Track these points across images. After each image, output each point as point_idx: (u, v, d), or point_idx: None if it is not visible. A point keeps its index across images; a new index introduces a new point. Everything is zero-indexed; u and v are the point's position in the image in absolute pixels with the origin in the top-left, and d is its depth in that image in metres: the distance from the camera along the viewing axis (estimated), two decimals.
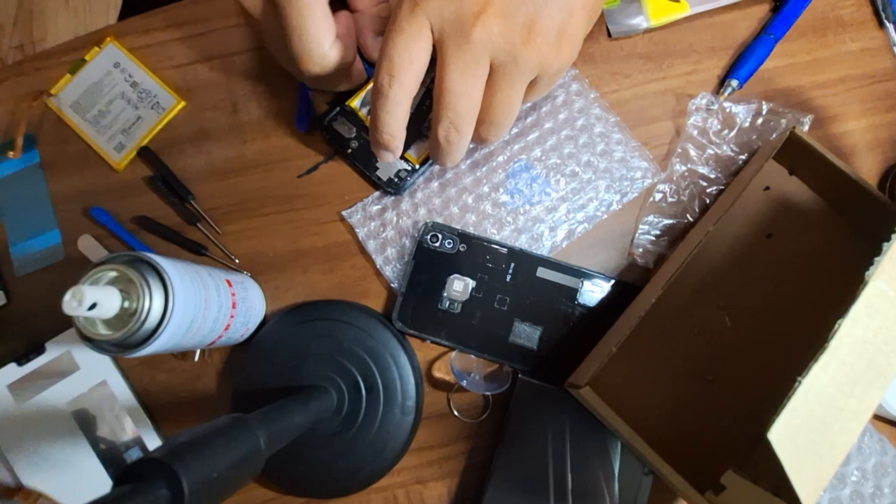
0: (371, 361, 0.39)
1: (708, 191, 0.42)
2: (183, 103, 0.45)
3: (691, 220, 0.42)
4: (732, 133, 0.43)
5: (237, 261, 0.43)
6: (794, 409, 0.27)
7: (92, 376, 0.41)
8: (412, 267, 0.41)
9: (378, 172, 0.42)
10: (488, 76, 0.32)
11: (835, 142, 0.43)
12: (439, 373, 0.41)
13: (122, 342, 0.28)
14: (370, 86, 0.42)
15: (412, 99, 0.33)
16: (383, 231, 0.42)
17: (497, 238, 0.42)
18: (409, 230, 0.42)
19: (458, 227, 0.42)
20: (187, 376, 0.42)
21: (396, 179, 0.42)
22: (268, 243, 0.43)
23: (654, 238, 0.42)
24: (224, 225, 0.43)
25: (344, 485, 0.39)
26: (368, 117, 0.42)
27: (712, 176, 0.43)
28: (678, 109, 0.44)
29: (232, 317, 0.36)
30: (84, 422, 0.40)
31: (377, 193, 0.43)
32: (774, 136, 0.42)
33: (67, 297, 0.26)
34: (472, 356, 0.40)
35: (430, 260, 0.41)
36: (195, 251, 0.43)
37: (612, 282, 0.41)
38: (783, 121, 0.43)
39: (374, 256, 0.42)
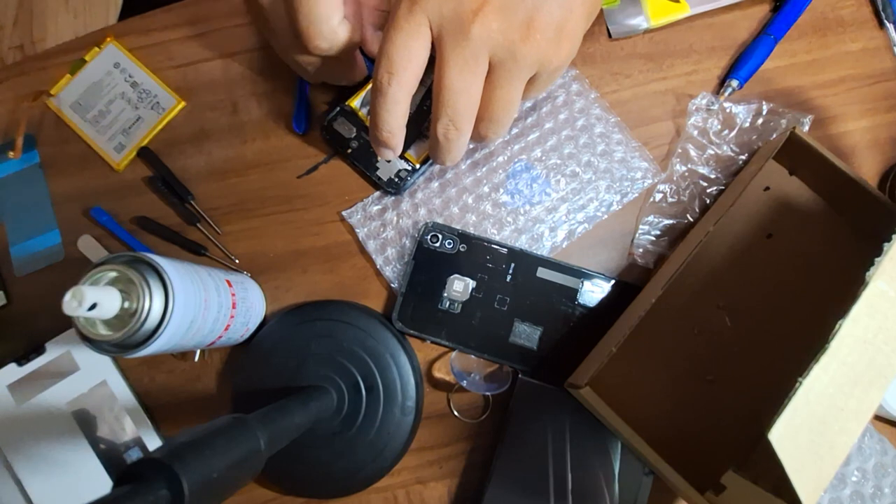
0: (371, 361, 0.39)
1: (708, 191, 0.42)
2: (183, 103, 0.45)
3: (691, 220, 0.42)
4: (732, 133, 0.43)
5: (237, 261, 0.43)
6: (795, 409, 0.27)
7: (92, 376, 0.41)
8: (412, 267, 0.41)
9: (378, 172, 0.42)
10: (487, 73, 0.32)
11: (835, 142, 0.43)
12: (439, 373, 0.41)
13: (122, 342, 0.28)
14: (370, 86, 0.42)
15: (411, 97, 0.33)
16: (383, 231, 0.42)
17: (497, 238, 0.42)
18: (409, 230, 0.42)
19: (458, 227, 0.42)
20: (187, 376, 0.42)
21: (397, 179, 0.42)
22: (268, 243, 0.43)
23: (654, 238, 0.42)
24: (224, 225, 0.43)
25: (344, 485, 0.39)
26: (368, 117, 0.42)
27: (712, 176, 0.43)
28: (678, 109, 0.44)
29: (232, 317, 0.36)
30: (84, 422, 0.40)
31: (377, 193, 0.43)
32: (774, 136, 0.42)
33: (67, 297, 0.26)
34: (472, 356, 0.40)
35: (431, 260, 0.41)
36: (195, 251, 0.43)
37: (613, 282, 0.41)
38: (783, 121, 0.43)
39: (374, 256, 0.42)
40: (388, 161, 0.42)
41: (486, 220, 0.42)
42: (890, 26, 0.44)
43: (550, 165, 0.43)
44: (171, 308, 0.29)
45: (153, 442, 0.41)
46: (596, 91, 0.44)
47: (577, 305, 0.41)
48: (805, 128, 0.42)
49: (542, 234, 0.42)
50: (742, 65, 0.43)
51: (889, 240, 0.30)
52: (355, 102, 0.42)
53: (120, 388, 0.41)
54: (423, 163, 0.42)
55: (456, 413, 0.41)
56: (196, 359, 0.42)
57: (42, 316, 0.42)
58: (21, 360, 0.40)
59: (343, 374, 0.39)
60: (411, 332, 0.40)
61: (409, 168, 0.42)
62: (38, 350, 0.40)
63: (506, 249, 0.41)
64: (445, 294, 0.41)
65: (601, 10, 0.45)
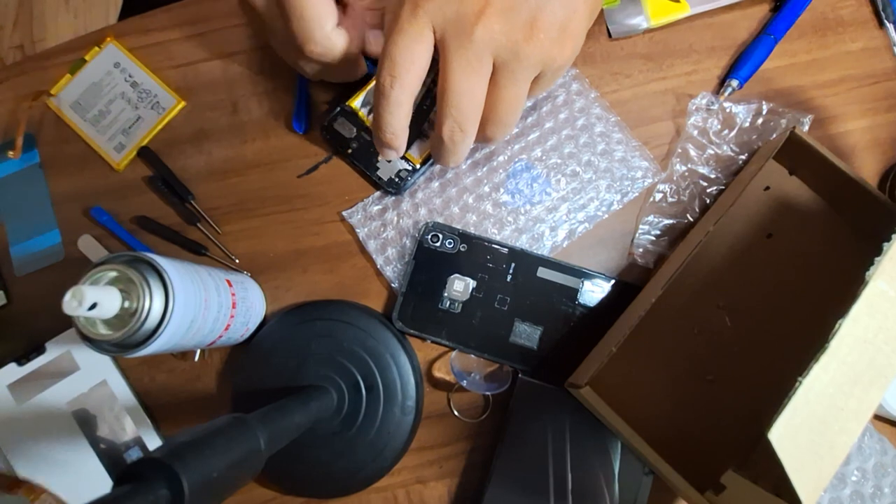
0: (371, 361, 0.39)
1: (708, 191, 0.42)
2: (183, 103, 0.45)
3: (691, 220, 0.42)
4: (732, 133, 0.43)
5: (237, 261, 0.43)
6: (795, 408, 0.27)
7: (92, 376, 0.41)
8: (412, 267, 0.41)
9: (379, 172, 0.42)
10: (491, 75, 0.32)
11: (835, 142, 0.43)
12: (439, 373, 0.41)
13: (123, 342, 0.28)
14: (370, 86, 0.42)
15: (414, 98, 0.33)
16: (384, 231, 0.42)
17: (498, 238, 0.42)
18: (409, 230, 0.42)
19: (458, 226, 0.42)
20: (187, 376, 0.42)
21: (397, 179, 0.42)
22: (268, 243, 0.43)
23: (654, 238, 0.42)
24: (224, 225, 0.43)
25: (344, 485, 0.39)
26: (369, 117, 0.42)
27: (712, 176, 0.43)
28: (678, 109, 0.44)
29: (232, 317, 0.36)
30: (84, 422, 0.40)
31: (378, 193, 0.43)
32: (774, 136, 0.42)
33: (67, 297, 0.26)
34: (472, 356, 0.40)
35: (431, 260, 0.41)
36: (195, 251, 0.43)
37: (613, 282, 0.41)
38: (783, 121, 0.43)
39: (374, 256, 0.42)
40: (389, 161, 0.42)
41: (487, 220, 0.42)
42: (890, 26, 0.44)
43: (551, 165, 0.43)
44: (171, 308, 0.29)
45: (153, 441, 0.41)
46: (596, 90, 0.44)
47: (578, 305, 0.41)
48: (805, 128, 0.42)
49: (542, 233, 0.42)
50: (742, 65, 0.43)
51: (889, 240, 0.30)
52: (355, 102, 0.42)
53: (120, 388, 0.41)
54: (423, 163, 0.42)
55: (456, 413, 0.41)
56: (196, 359, 0.42)
57: (42, 316, 0.42)
58: (21, 360, 0.40)
59: (343, 373, 0.39)
60: (412, 331, 0.40)
61: (410, 168, 0.42)
62: (39, 350, 0.40)
63: (506, 249, 0.41)
64: (446, 294, 0.41)
65: (602, 10, 0.45)
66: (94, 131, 0.45)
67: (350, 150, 0.42)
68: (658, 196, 0.43)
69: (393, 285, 0.42)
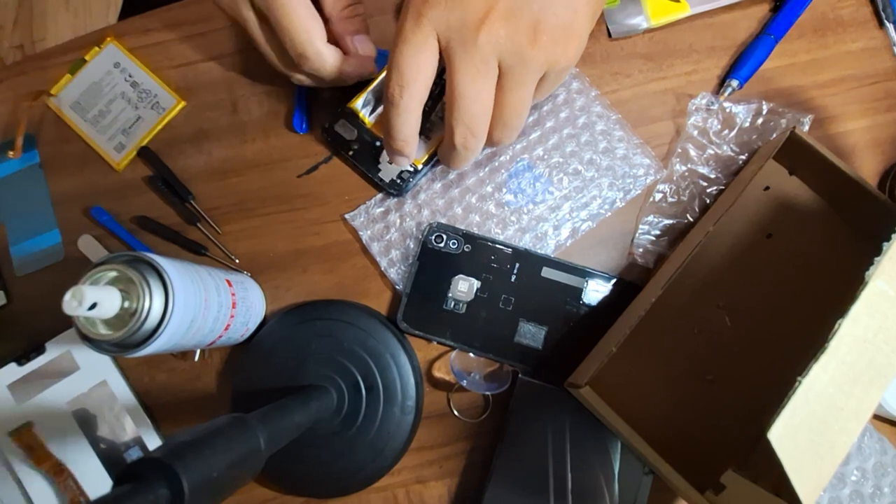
0: (371, 361, 0.39)
1: (708, 191, 0.42)
2: (183, 103, 0.45)
3: (691, 220, 0.42)
4: (732, 133, 0.43)
5: (237, 261, 0.43)
6: (795, 408, 0.27)
7: (92, 376, 0.41)
8: (416, 268, 0.41)
9: (380, 174, 0.42)
10: (497, 79, 0.32)
11: (835, 142, 0.43)
12: (439, 372, 0.41)
13: (123, 342, 0.28)
14: (371, 87, 0.42)
15: (423, 105, 0.33)
16: (387, 233, 0.42)
17: (501, 238, 0.42)
18: (412, 232, 0.42)
19: (462, 227, 0.42)
20: (187, 376, 0.42)
21: (399, 181, 0.42)
22: (268, 243, 0.43)
23: (654, 238, 0.42)
24: (224, 225, 0.43)
25: (344, 484, 0.39)
26: (370, 119, 0.42)
27: (712, 176, 0.43)
28: (678, 109, 0.44)
29: (232, 317, 0.36)
30: (84, 422, 0.40)
31: (380, 196, 0.43)
32: (774, 136, 0.42)
33: (67, 297, 0.26)
34: (472, 356, 0.40)
35: (435, 261, 0.41)
36: (195, 251, 0.43)
37: (616, 281, 0.41)
38: (783, 121, 0.43)
39: (378, 259, 0.42)
40: (391, 163, 0.42)
41: (490, 220, 0.43)
42: (890, 26, 0.44)
43: (553, 164, 0.43)
44: (171, 308, 0.29)
45: (153, 441, 0.41)
46: (596, 89, 0.44)
47: (582, 305, 0.41)
48: (805, 128, 0.42)
49: (545, 232, 0.42)
50: (742, 65, 0.43)
51: (889, 239, 0.30)
52: (356, 104, 0.42)
53: (120, 388, 0.41)
54: (424, 164, 0.42)
55: (456, 413, 0.41)
56: (196, 358, 0.42)
57: (42, 316, 0.42)
58: (21, 360, 0.40)
59: (343, 373, 0.39)
60: (416, 332, 0.40)
61: (411, 169, 0.42)
62: (38, 350, 0.40)
63: (510, 249, 0.41)
64: (450, 294, 0.41)
65: (602, 10, 0.44)
66: (94, 131, 0.45)
67: (351, 152, 0.42)
68: (658, 196, 0.43)
69: (397, 287, 0.42)
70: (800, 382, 0.28)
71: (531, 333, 0.40)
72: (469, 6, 0.30)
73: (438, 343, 0.41)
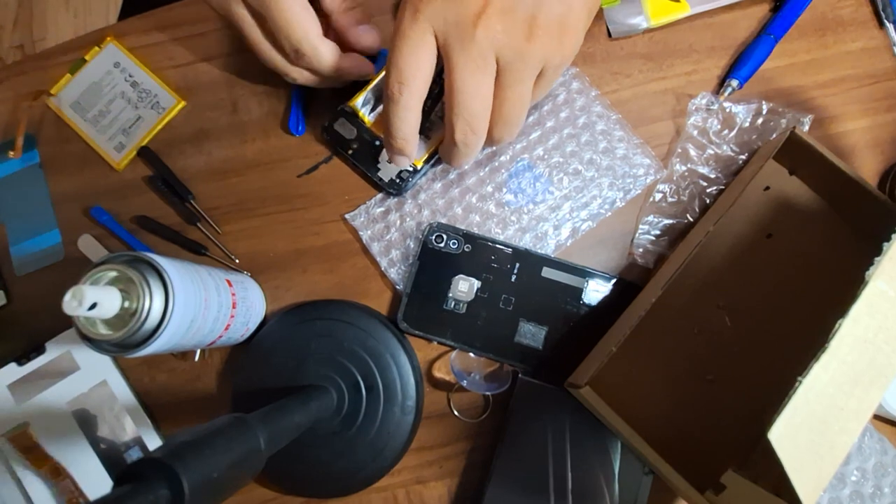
0: (371, 361, 0.39)
1: (708, 191, 0.42)
2: (183, 103, 0.45)
3: (691, 220, 0.42)
4: (732, 133, 0.43)
5: (237, 261, 0.43)
6: (795, 408, 0.27)
7: (92, 376, 0.41)
8: (417, 268, 0.41)
9: (380, 173, 0.42)
10: (496, 76, 0.32)
11: (835, 142, 0.43)
12: (439, 373, 0.41)
13: (123, 342, 0.28)
14: (371, 86, 0.42)
15: (422, 103, 0.33)
16: (387, 233, 0.42)
17: (501, 238, 0.42)
18: (413, 231, 0.42)
19: (462, 227, 0.42)
20: (187, 376, 0.42)
21: (398, 180, 0.42)
22: (268, 243, 0.43)
23: (654, 238, 0.42)
24: (224, 225, 0.43)
25: (344, 485, 0.39)
26: (369, 118, 0.42)
27: (712, 176, 0.43)
28: (678, 109, 0.44)
29: (232, 317, 0.36)
30: (84, 422, 0.40)
31: (380, 196, 0.43)
32: (774, 136, 0.42)
33: (68, 297, 0.26)
34: (472, 356, 0.40)
35: (435, 260, 0.41)
36: (195, 251, 0.43)
37: (616, 281, 0.41)
38: (783, 121, 0.43)
39: (378, 259, 0.42)
40: (390, 163, 0.42)
41: (490, 220, 0.43)
42: (890, 26, 0.44)
43: (553, 164, 0.43)
44: (172, 308, 0.29)
45: (153, 441, 0.41)
46: (596, 89, 0.44)
47: (582, 305, 0.41)
48: (805, 128, 0.42)
49: (546, 232, 0.42)
50: (742, 64, 0.43)
51: (889, 239, 0.30)
52: (356, 103, 0.42)
53: (120, 388, 0.41)
54: (424, 163, 0.42)
55: (456, 413, 0.41)
56: (196, 358, 0.42)
57: (42, 316, 0.42)
58: (21, 360, 0.40)
59: (343, 373, 0.39)
60: (416, 332, 0.40)
61: (411, 169, 0.42)
62: (39, 350, 0.40)
63: (510, 249, 0.41)
64: (450, 294, 0.41)
65: (602, 10, 0.45)
66: (94, 131, 0.45)
67: (351, 151, 0.42)
68: (658, 196, 0.43)
69: (397, 287, 0.42)
70: (800, 382, 0.28)
71: (531, 333, 0.40)
72: (466, 2, 0.30)
73: (438, 343, 0.41)
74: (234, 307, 0.36)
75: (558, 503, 0.37)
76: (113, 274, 0.28)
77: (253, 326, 0.40)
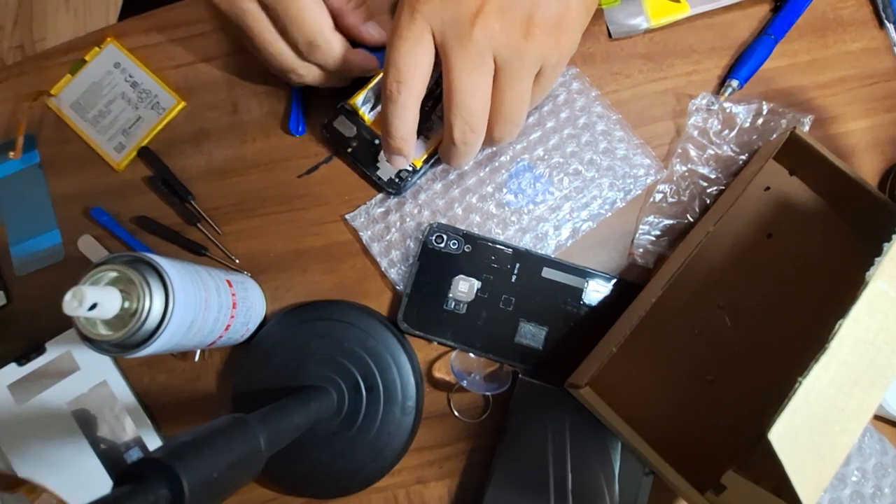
0: (371, 361, 0.39)
1: (708, 191, 0.42)
2: (183, 103, 0.45)
3: (691, 220, 0.42)
4: (733, 133, 0.43)
5: (237, 261, 0.43)
6: (795, 409, 0.27)
7: (92, 376, 0.41)
8: (417, 268, 0.41)
9: (379, 172, 0.42)
10: (494, 76, 0.32)
11: (835, 142, 0.43)
12: (439, 373, 0.41)
13: (123, 342, 0.28)
14: (371, 84, 0.42)
15: (420, 102, 0.33)
16: (387, 234, 0.42)
17: (502, 238, 0.42)
18: (413, 232, 0.42)
19: (462, 227, 0.42)
20: (187, 376, 0.42)
21: (397, 180, 0.42)
22: (268, 243, 0.43)
23: (654, 238, 0.42)
24: (224, 225, 0.43)
25: (344, 485, 0.39)
26: (369, 116, 0.42)
27: (712, 176, 0.43)
28: (678, 109, 0.44)
29: (232, 317, 0.36)
30: (84, 422, 0.40)
31: (380, 196, 0.43)
32: (775, 136, 0.42)
33: (68, 297, 0.26)
34: (472, 356, 0.40)
35: (435, 261, 0.41)
36: (195, 251, 0.43)
37: (617, 281, 0.41)
38: (783, 121, 0.43)
39: (378, 259, 0.42)
40: (387, 164, 0.42)
41: (491, 220, 0.43)
42: (890, 26, 0.44)
43: (553, 164, 0.43)
44: (172, 308, 0.29)
45: (153, 442, 0.41)
46: (596, 89, 0.44)
47: (582, 305, 0.41)
48: (805, 128, 0.42)
49: (546, 232, 0.42)
50: (742, 65, 0.43)
51: (889, 240, 0.30)
52: (356, 101, 0.42)
53: (120, 388, 0.41)
54: (423, 163, 0.42)
55: (456, 413, 0.41)
56: (196, 359, 0.42)
57: (42, 316, 0.42)
58: (21, 360, 0.40)
59: (343, 374, 0.39)
60: (417, 332, 0.40)
61: (410, 168, 0.42)
62: (39, 350, 0.40)
63: (511, 250, 0.41)
64: (451, 295, 0.41)
65: (602, 10, 0.45)
66: (94, 131, 0.45)
67: (350, 149, 0.42)
68: (658, 196, 0.43)
69: (398, 287, 0.42)
70: (800, 383, 0.28)
71: (531, 334, 0.40)
72: (463, 1, 0.30)
73: (439, 343, 0.41)
74: (234, 307, 0.36)
75: (558, 503, 0.37)
76: (113, 274, 0.28)
77: (253, 327, 0.40)
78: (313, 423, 0.34)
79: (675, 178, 0.43)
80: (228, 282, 0.36)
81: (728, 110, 0.43)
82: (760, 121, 0.43)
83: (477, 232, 0.42)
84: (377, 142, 0.42)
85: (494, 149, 0.43)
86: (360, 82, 0.42)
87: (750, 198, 0.42)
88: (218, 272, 0.36)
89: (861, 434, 0.38)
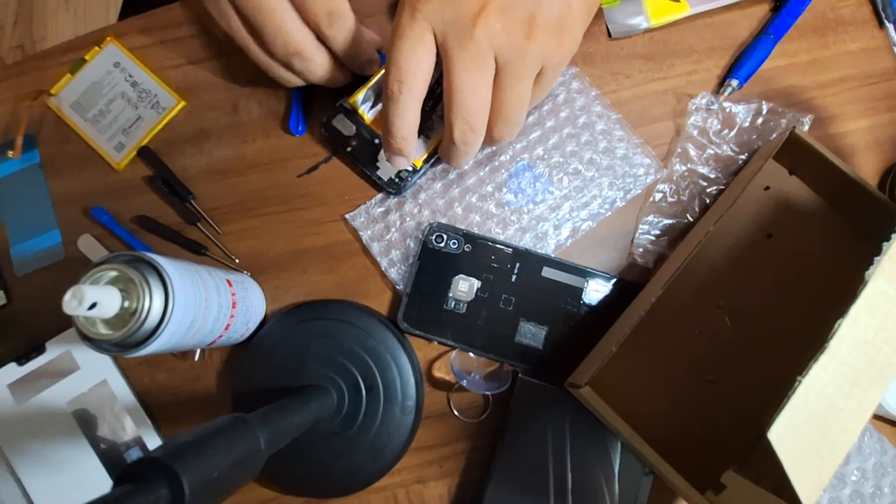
0: (371, 361, 0.39)
1: (708, 191, 0.42)
2: (183, 103, 0.45)
3: (691, 220, 0.42)
4: (732, 133, 0.43)
5: (237, 261, 0.43)
6: (795, 408, 0.27)
7: (92, 376, 0.41)
8: (417, 268, 0.41)
9: (379, 172, 0.42)
10: (495, 75, 0.32)
11: (835, 142, 0.43)
12: (439, 372, 0.41)
13: (123, 342, 0.28)
14: (371, 83, 0.42)
15: (421, 102, 0.33)
16: (387, 233, 0.42)
17: (502, 237, 0.42)
18: (413, 231, 0.42)
19: (462, 227, 0.42)
20: (187, 376, 0.42)
21: (397, 179, 0.42)
22: (268, 243, 0.43)
23: (654, 238, 0.42)
24: (224, 225, 0.43)
25: (344, 484, 0.39)
26: (369, 115, 0.42)
27: (712, 176, 0.43)
28: (678, 109, 0.44)
29: (232, 316, 0.36)
30: (84, 422, 0.40)
31: (380, 196, 0.43)
32: (774, 135, 0.42)
33: (68, 296, 0.26)
34: (472, 356, 0.40)
35: (435, 260, 0.41)
36: (195, 251, 0.43)
37: (616, 281, 0.41)
38: (783, 121, 0.43)
39: (378, 259, 0.42)
40: (387, 164, 0.42)
41: (490, 220, 0.43)
42: (890, 26, 0.44)
43: (553, 163, 0.43)
44: (171, 307, 0.29)
45: (153, 441, 0.41)
46: (596, 89, 0.44)
47: (582, 305, 0.41)
48: (805, 127, 0.42)
49: (546, 232, 0.42)
50: (742, 64, 0.43)
51: (889, 239, 0.30)
52: (356, 99, 0.42)
53: (120, 388, 0.41)
54: (423, 163, 0.42)
55: (456, 413, 0.41)
56: (196, 358, 0.42)
57: (42, 315, 0.42)
58: (21, 360, 0.40)
59: (343, 373, 0.39)
60: (417, 332, 0.40)
61: (410, 168, 0.42)
62: (39, 349, 0.40)
63: (511, 249, 0.41)
64: (451, 294, 0.41)
65: (602, 10, 0.45)
66: (94, 131, 0.45)
67: (349, 148, 0.42)
68: (658, 196, 0.43)
69: (398, 287, 0.42)
70: (800, 382, 0.28)
71: (531, 333, 0.40)
72: (464, 1, 0.30)
73: (439, 343, 0.41)
74: (234, 307, 0.36)
75: (558, 503, 0.37)
76: (113, 274, 0.28)
77: (253, 326, 0.40)
78: (313, 423, 0.34)
79: (674, 178, 0.43)
80: (228, 281, 0.36)
81: (728, 110, 0.43)
82: (760, 120, 0.43)
83: (477, 231, 0.42)
84: (377, 141, 0.42)
85: (494, 148, 0.43)
86: (359, 81, 0.42)
87: (750, 197, 0.42)
88: (218, 272, 0.36)
89: (861, 433, 0.38)
